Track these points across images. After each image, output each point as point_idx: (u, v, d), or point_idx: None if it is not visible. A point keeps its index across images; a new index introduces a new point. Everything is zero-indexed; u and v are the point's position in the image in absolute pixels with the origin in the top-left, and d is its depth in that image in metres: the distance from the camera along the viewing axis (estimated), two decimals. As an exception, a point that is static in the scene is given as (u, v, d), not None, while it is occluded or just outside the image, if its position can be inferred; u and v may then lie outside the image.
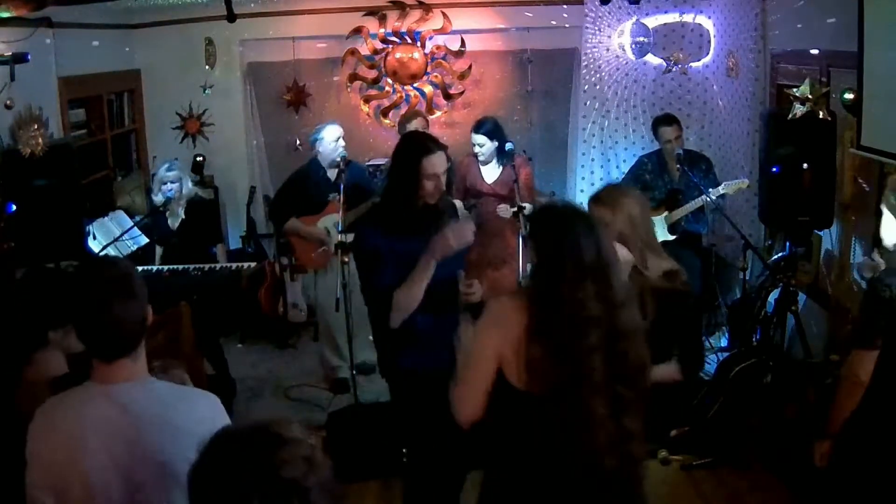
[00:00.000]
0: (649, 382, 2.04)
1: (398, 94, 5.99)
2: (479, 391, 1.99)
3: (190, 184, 4.65)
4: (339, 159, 4.44)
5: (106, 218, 4.94)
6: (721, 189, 4.47)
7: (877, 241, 3.54)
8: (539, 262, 2.03)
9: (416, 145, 2.88)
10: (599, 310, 1.91)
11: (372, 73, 5.97)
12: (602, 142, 5.78)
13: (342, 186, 4.27)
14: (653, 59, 5.64)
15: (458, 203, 4.65)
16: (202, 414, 1.70)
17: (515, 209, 4.22)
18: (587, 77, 5.70)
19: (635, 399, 1.96)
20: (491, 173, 4.68)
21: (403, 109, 5.97)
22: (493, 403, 1.99)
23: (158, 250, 4.67)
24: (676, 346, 2.66)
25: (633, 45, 5.61)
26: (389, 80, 5.97)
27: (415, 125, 4.86)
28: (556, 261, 1.95)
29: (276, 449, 1.22)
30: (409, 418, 2.96)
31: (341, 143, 4.54)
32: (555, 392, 1.90)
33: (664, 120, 4.87)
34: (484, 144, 4.58)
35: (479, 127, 4.63)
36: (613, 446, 1.93)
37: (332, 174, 4.51)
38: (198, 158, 5.95)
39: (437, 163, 2.78)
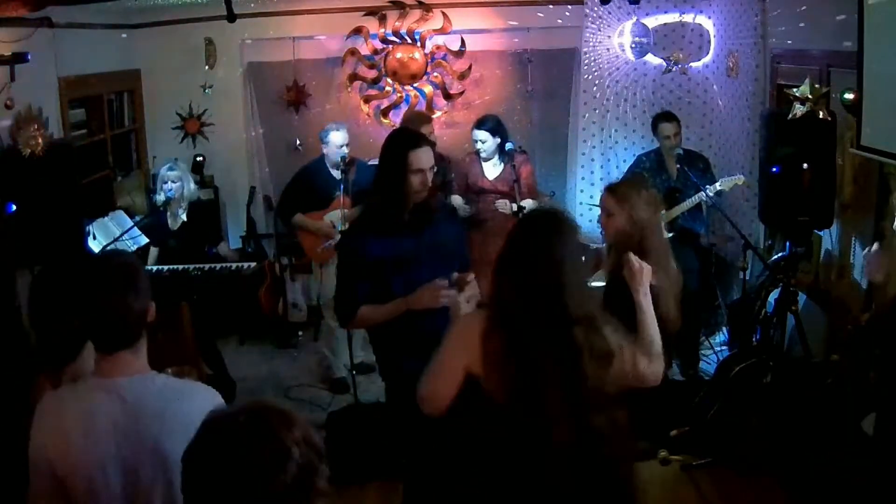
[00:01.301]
0: (617, 378, 2.02)
1: (398, 94, 5.98)
2: (443, 394, 2.05)
3: (192, 185, 4.64)
4: (339, 160, 4.51)
5: (106, 218, 4.94)
6: (718, 185, 4.47)
7: (878, 236, 3.55)
8: (498, 263, 2.06)
9: (402, 140, 2.86)
10: (553, 324, 1.94)
11: (372, 73, 5.97)
12: (602, 142, 5.78)
13: (342, 185, 4.32)
14: (653, 59, 5.64)
15: (459, 199, 4.67)
16: (202, 407, 1.70)
17: (516, 209, 4.23)
18: (587, 77, 5.70)
19: (602, 398, 1.96)
20: (492, 170, 4.68)
21: (403, 109, 5.98)
22: (465, 413, 2.04)
23: (153, 252, 4.64)
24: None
25: (633, 45, 5.61)
26: (389, 80, 5.96)
27: (426, 131, 4.93)
28: (510, 263, 2.01)
29: (270, 419, 1.24)
30: (410, 421, 2.94)
31: (345, 149, 4.61)
32: (511, 390, 1.93)
33: (664, 116, 4.88)
34: (486, 141, 4.59)
35: (481, 123, 4.66)
36: (578, 444, 1.93)
37: (337, 174, 4.59)
38: (198, 158, 5.95)
39: (423, 157, 2.75)
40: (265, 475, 1.19)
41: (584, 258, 2.08)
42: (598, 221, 3.01)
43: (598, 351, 1.96)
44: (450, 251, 2.88)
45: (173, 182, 4.46)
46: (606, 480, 1.97)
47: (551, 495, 1.94)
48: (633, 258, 2.45)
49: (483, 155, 4.66)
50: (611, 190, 2.89)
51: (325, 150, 4.70)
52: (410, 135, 2.96)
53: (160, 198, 4.50)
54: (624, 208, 2.76)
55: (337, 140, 4.63)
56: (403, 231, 2.76)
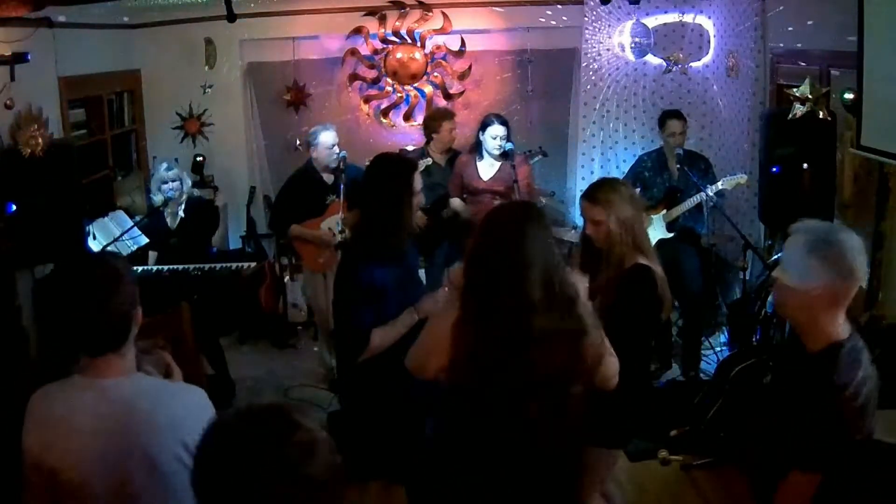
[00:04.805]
0: (574, 388, 1.98)
1: (398, 94, 5.99)
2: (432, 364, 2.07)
3: (189, 182, 4.62)
4: (337, 164, 4.46)
5: (106, 218, 4.93)
6: (720, 184, 4.46)
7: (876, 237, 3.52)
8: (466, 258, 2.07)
9: (402, 164, 2.89)
10: (510, 309, 1.93)
11: (372, 73, 5.97)
12: (602, 142, 5.79)
13: (341, 187, 4.30)
14: (653, 59, 5.64)
15: (458, 202, 4.65)
16: (188, 409, 1.71)
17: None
18: (587, 77, 5.70)
19: (549, 409, 1.94)
20: (488, 171, 4.65)
21: (404, 110, 5.99)
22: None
23: (152, 256, 4.60)
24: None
25: (633, 45, 5.61)
26: (389, 80, 5.97)
27: (447, 126, 4.91)
28: (476, 259, 2.01)
29: (286, 423, 1.25)
30: (413, 433, 2.89)
31: (336, 150, 4.52)
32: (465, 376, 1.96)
33: (673, 113, 4.84)
34: (506, 137, 4.51)
35: (496, 117, 4.55)
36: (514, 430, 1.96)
37: (327, 178, 4.54)
38: (198, 158, 5.96)
39: (419, 179, 2.83)
40: (297, 465, 1.21)
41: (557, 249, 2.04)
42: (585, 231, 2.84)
43: (566, 334, 1.93)
44: (416, 264, 3.14)
45: (172, 181, 4.44)
46: (542, 467, 1.98)
47: (492, 480, 1.98)
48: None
49: (495, 152, 4.55)
50: (589, 198, 2.71)
51: (313, 154, 4.56)
52: (406, 160, 3.01)
53: (158, 198, 4.49)
54: (608, 212, 2.64)
55: (328, 140, 4.50)
56: (401, 253, 2.80)
